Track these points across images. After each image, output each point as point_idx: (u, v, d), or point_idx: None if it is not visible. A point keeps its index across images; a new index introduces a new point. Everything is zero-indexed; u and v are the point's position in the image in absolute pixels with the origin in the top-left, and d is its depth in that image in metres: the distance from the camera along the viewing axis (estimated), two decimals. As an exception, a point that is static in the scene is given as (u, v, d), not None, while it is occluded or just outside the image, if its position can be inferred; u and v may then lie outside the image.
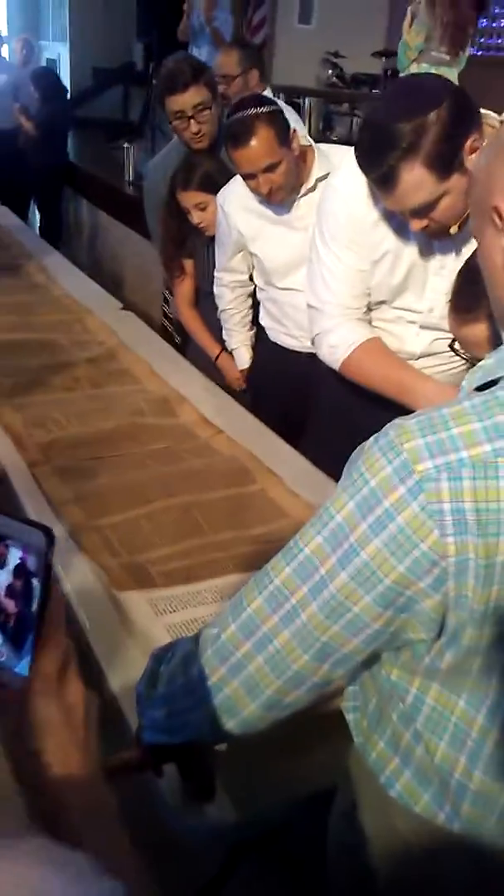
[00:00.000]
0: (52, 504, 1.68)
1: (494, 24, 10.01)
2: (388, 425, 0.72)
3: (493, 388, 0.71)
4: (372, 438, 0.73)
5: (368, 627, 0.73)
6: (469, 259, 1.28)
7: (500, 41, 9.90)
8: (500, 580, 0.68)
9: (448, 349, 1.59)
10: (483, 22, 10.10)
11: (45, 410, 2.05)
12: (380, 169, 1.26)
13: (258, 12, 7.72)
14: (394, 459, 0.69)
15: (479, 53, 9.44)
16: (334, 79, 8.17)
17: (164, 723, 0.90)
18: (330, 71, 8.32)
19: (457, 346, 1.31)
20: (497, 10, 9.89)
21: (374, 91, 6.61)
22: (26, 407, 2.06)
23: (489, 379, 0.73)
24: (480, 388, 0.73)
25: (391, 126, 1.23)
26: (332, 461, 1.76)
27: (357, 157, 1.32)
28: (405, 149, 1.23)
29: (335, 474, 1.78)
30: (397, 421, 0.72)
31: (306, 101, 5.23)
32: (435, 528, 0.67)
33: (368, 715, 0.89)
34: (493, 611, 0.70)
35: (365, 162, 1.30)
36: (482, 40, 9.93)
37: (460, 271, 1.26)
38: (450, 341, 1.34)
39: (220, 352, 2.44)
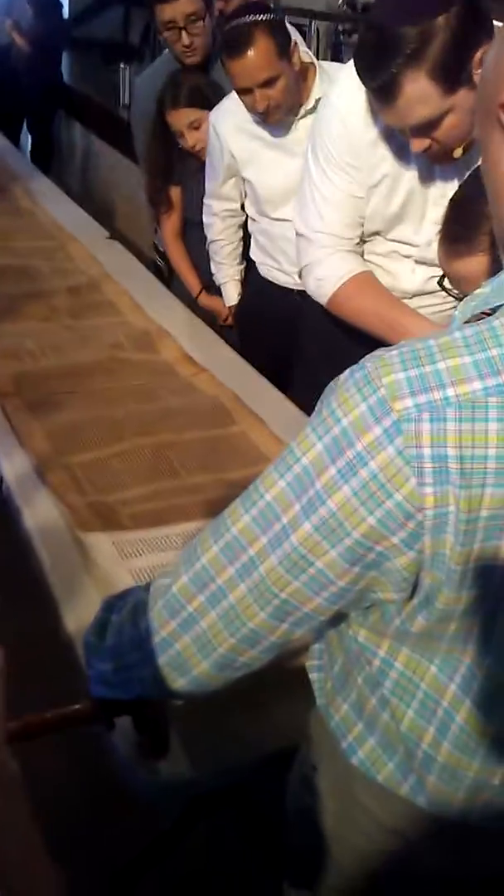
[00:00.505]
0: (19, 437, 1.59)
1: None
2: (366, 357, 0.63)
3: (488, 318, 0.61)
4: (347, 371, 0.63)
5: (332, 585, 0.65)
6: (463, 185, 1.16)
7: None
8: (483, 537, 0.60)
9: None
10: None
11: (19, 340, 1.95)
12: (380, 77, 1.13)
13: None
14: (369, 396, 0.59)
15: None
16: (345, 6, 7.80)
17: (111, 677, 0.83)
18: (341, -1, 7.95)
19: (447, 283, 1.19)
20: None
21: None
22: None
23: (486, 308, 0.63)
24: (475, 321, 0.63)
25: (395, 29, 1.10)
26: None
27: (356, 64, 1.19)
28: (409, 55, 1.10)
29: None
30: (377, 352, 0.62)
31: (313, 25, 4.96)
32: (412, 476, 0.58)
33: (333, 676, 0.82)
34: (474, 571, 0.62)
35: (364, 69, 1.17)
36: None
37: (453, 197, 1.13)
38: (439, 277, 1.22)
39: (201, 290, 2.33)
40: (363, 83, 1.20)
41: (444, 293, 1.48)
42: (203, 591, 0.70)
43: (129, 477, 1.52)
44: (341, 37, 7.58)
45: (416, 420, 0.58)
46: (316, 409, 0.66)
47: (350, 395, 0.61)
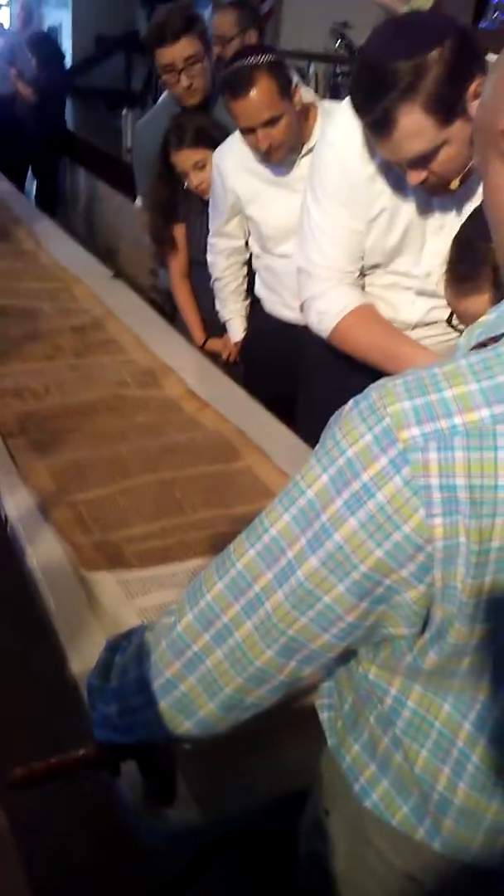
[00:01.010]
0: (23, 475, 1.58)
1: (509, -2, 9.81)
2: (370, 386, 0.62)
3: (494, 345, 0.60)
4: (352, 401, 0.62)
5: (341, 620, 0.63)
6: (466, 223, 1.17)
7: (514, 15, 9.69)
8: (495, 569, 0.58)
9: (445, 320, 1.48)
10: (497, -5, 9.91)
11: (24, 380, 1.95)
12: (375, 112, 1.14)
13: (266, -21, 7.52)
14: (375, 425, 0.58)
15: (495, 28, 9.25)
16: (342, 50, 7.96)
17: (115, 720, 0.80)
18: (338, 41, 8.12)
19: (455, 320, 1.19)
20: (512, -17, 9.69)
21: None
22: (4, 377, 1.96)
23: (490, 335, 0.63)
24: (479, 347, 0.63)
25: (389, 64, 1.11)
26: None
27: (352, 99, 1.20)
28: (403, 90, 1.11)
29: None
30: (381, 381, 0.61)
31: (311, 67, 5.08)
32: (421, 507, 0.57)
33: (344, 715, 0.80)
34: (486, 604, 0.60)
35: (360, 104, 1.18)
36: (496, 15, 9.74)
37: (457, 237, 1.14)
38: (447, 316, 1.22)
39: (205, 340, 2.34)
40: (359, 118, 1.21)
41: (445, 324, 1.48)
42: (208, 630, 0.68)
43: (134, 514, 1.51)
44: (339, 78, 7.75)
45: (423, 449, 0.56)
46: (321, 440, 0.65)
47: (355, 425, 0.60)
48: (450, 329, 1.47)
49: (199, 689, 0.70)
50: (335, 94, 6.85)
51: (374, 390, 0.61)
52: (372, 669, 0.73)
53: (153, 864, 1.18)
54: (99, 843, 1.56)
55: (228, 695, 0.70)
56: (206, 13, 4.64)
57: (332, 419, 0.65)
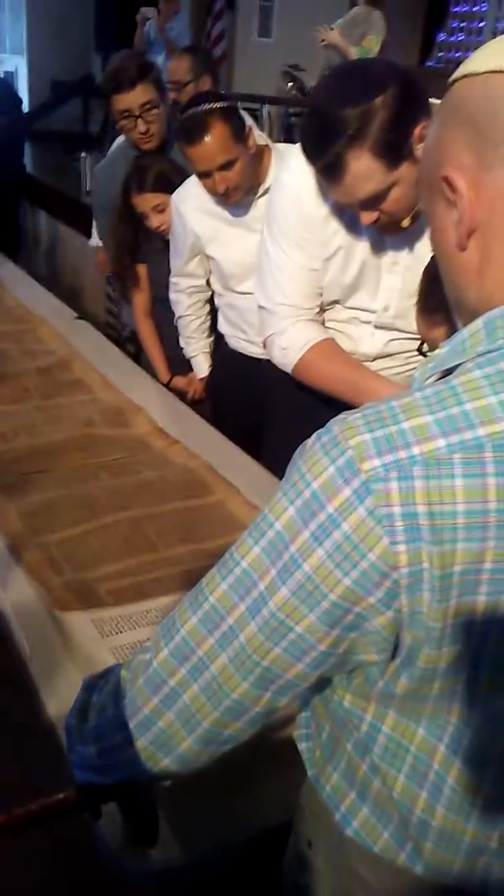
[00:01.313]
0: (-8, 520, 1.58)
1: (452, 39, 10.20)
2: (331, 420, 0.64)
3: (447, 378, 0.63)
4: (314, 435, 0.65)
5: (314, 649, 0.64)
6: (433, 258, 1.22)
7: (458, 55, 10.07)
8: (458, 593, 0.60)
9: (405, 350, 1.53)
10: (441, 36, 10.30)
11: (-10, 423, 1.95)
12: (326, 157, 1.19)
13: (217, 25, 7.72)
14: (337, 458, 0.61)
15: (440, 66, 9.60)
16: (294, 91, 8.18)
17: (94, 760, 0.80)
18: (290, 84, 8.34)
19: (425, 348, 1.24)
20: (454, 25, 10.08)
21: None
22: (-30, 421, 1.96)
23: (444, 368, 0.66)
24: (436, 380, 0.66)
25: (336, 112, 1.16)
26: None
27: (302, 146, 1.25)
28: (351, 136, 1.16)
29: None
30: (342, 415, 0.64)
31: (264, 109, 5.21)
32: (384, 535, 0.59)
33: (322, 744, 0.81)
34: (452, 628, 0.62)
35: (310, 150, 1.23)
36: (441, 54, 10.11)
37: (425, 271, 1.19)
38: (418, 345, 1.27)
39: (170, 379, 2.37)
40: (311, 163, 1.26)
41: (405, 355, 1.53)
42: (184, 664, 0.69)
43: (106, 553, 1.51)
44: (292, 119, 7.94)
45: (385, 479, 0.59)
46: (286, 474, 0.67)
47: (318, 458, 0.62)
48: (408, 360, 1.52)
49: (177, 724, 0.71)
50: (289, 134, 7.03)
51: (335, 424, 0.63)
52: (347, 697, 0.74)
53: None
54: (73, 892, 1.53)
55: (206, 728, 0.70)
56: (160, 59, 4.76)
57: (296, 453, 0.67)
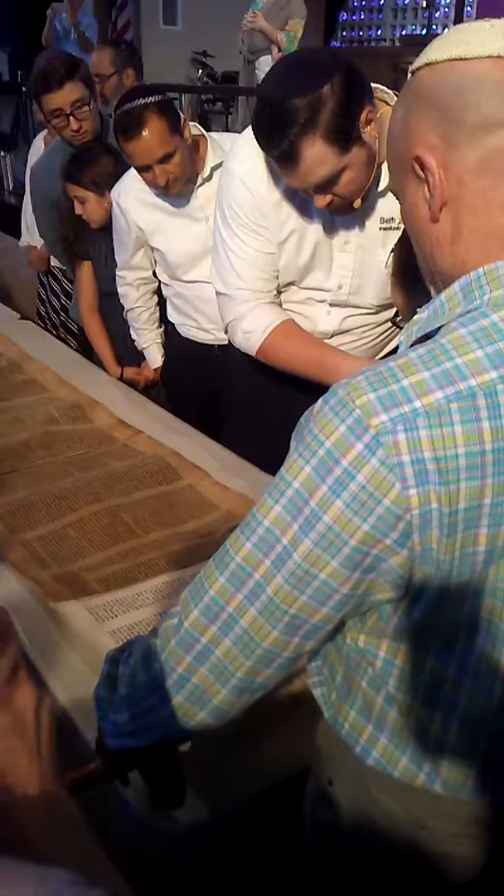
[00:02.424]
0: (-29, 523, 1.60)
1: (354, 17, 10.33)
2: (334, 385, 0.71)
3: (434, 338, 0.70)
4: (321, 400, 0.71)
5: (337, 593, 0.71)
6: (404, 232, 1.29)
7: (360, 33, 10.22)
8: (463, 528, 0.68)
9: (360, 325, 1.61)
10: (343, 15, 10.42)
11: (-50, 430, 1.95)
12: (280, 146, 1.25)
13: (122, 15, 7.66)
14: (347, 417, 0.67)
15: (343, 46, 9.73)
16: (205, 78, 8.20)
17: (128, 725, 0.86)
18: (200, 70, 8.35)
19: (399, 318, 1.32)
20: (355, 4, 10.21)
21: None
22: None
23: (427, 331, 0.73)
24: (418, 343, 0.73)
25: (287, 102, 1.22)
26: (256, 449, 1.77)
27: (256, 136, 1.31)
28: (303, 124, 1.22)
29: (260, 462, 1.78)
30: (344, 380, 0.70)
31: (183, 98, 5.24)
32: (397, 482, 0.66)
33: (336, 687, 0.88)
34: (459, 560, 0.69)
35: (264, 140, 1.29)
36: (344, 33, 10.25)
37: (397, 246, 1.26)
38: (392, 316, 1.34)
39: (122, 371, 2.40)
40: (265, 152, 1.31)
41: (360, 330, 1.60)
42: (215, 622, 0.75)
43: (88, 544, 1.55)
44: (205, 106, 7.94)
45: (393, 432, 0.66)
46: (294, 439, 0.74)
47: (329, 419, 0.68)
48: (363, 335, 1.60)
49: (210, 678, 0.77)
50: (203, 121, 7.05)
51: (339, 388, 0.70)
52: (361, 638, 0.81)
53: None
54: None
55: (239, 678, 0.76)
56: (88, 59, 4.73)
57: (302, 419, 0.73)
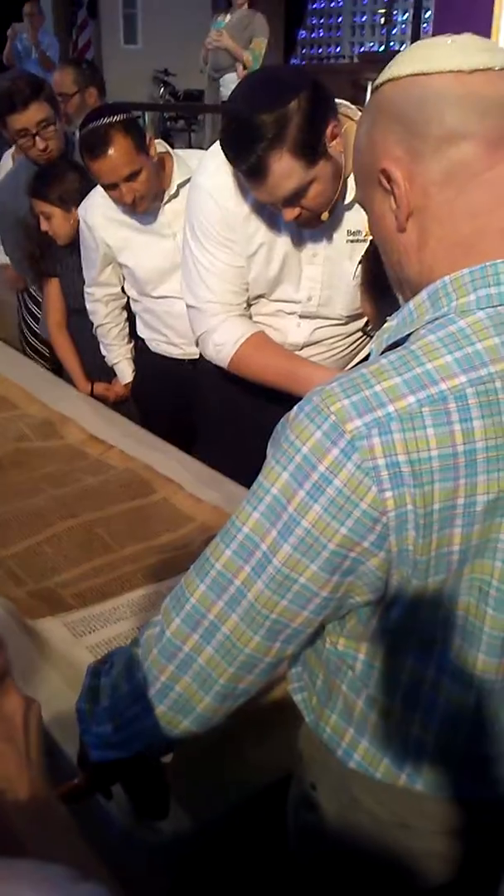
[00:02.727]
0: None
1: (313, 35, 10.50)
2: (309, 393, 0.72)
3: (404, 345, 0.72)
4: (296, 407, 0.72)
5: (317, 596, 0.72)
6: (371, 243, 1.31)
7: (319, 50, 10.40)
8: (438, 528, 0.70)
9: (329, 337, 1.63)
10: (302, 33, 10.58)
11: None
12: (249, 161, 1.27)
13: (83, 34, 7.71)
14: (322, 423, 0.69)
15: (303, 63, 9.87)
16: (167, 96, 8.27)
17: (112, 737, 0.86)
18: (162, 88, 8.42)
19: (369, 328, 1.34)
20: (313, 22, 10.38)
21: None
22: None
23: (397, 338, 0.75)
24: (389, 350, 0.75)
25: (254, 118, 1.25)
26: (229, 461, 1.78)
27: (224, 152, 1.33)
28: (271, 139, 1.25)
29: (234, 474, 1.79)
30: (318, 387, 0.72)
31: (146, 116, 5.28)
32: (373, 485, 0.67)
33: (317, 692, 0.89)
34: (436, 560, 0.71)
35: (233, 155, 1.31)
36: (303, 51, 10.41)
37: (364, 258, 1.28)
38: (362, 326, 1.37)
39: (92, 386, 2.40)
40: (234, 167, 1.34)
41: (330, 341, 1.63)
42: (197, 630, 0.76)
43: (63, 560, 1.54)
44: (167, 123, 7.98)
45: (368, 436, 0.67)
46: (271, 446, 0.75)
47: (304, 426, 0.70)
48: (333, 346, 1.63)
49: (193, 686, 0.78)
50: (166, 138, 7.08)
51: (314, 395, 0.71)
52: (340, 641, 0.82)
53: None
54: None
55: (222, 685, 0.77)
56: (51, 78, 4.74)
57: (279, 426, 0.75)
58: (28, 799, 0.56)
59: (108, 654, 0.91)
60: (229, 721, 0.85)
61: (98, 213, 2.05)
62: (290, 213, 1.35)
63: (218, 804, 1.07)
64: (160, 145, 2.03)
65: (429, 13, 5.77)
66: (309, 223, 1.41)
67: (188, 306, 1.60)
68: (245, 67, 5.25)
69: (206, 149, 1.60)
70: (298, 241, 1.50)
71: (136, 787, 0.98)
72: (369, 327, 1.33)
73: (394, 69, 0.75)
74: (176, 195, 1.99)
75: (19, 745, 0.56)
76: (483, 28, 3.14)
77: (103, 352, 2.30)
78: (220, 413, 1.85)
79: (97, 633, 1.34)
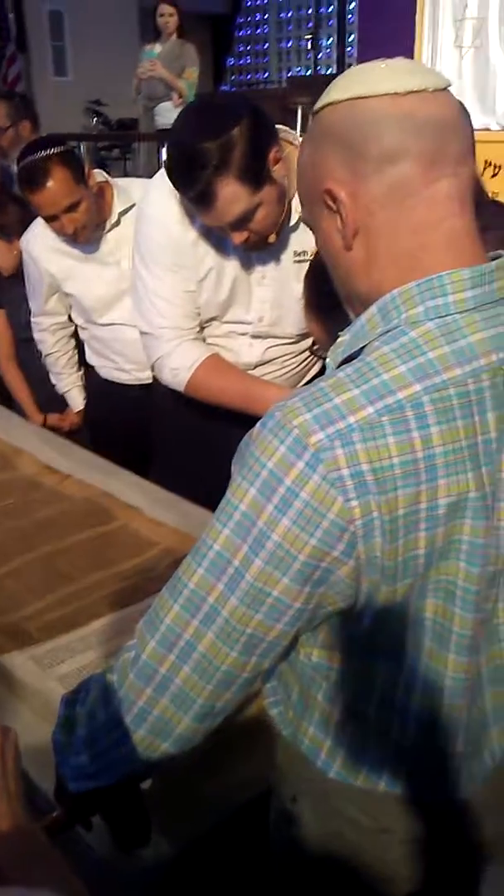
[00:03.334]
0: None
1: (241, 62, 10.68)
2: (270, 409, 0.74)
3: (359, 357, 0.75)
4: (258, 424, 0.74)
5: (290, 608, 0.73)
6: (312, 262, 1.33)
7: (248, 77, 10.58)
8: (404, 533, 0.72)
9: (281, 355, 1.66)
10: (230, 61, 10.76)
11: None
12: (196, 188, 1.30)
13: (12, 68, 7.71)
14: (286, 438, 0.70)
15: (234, 90, 10.02)
16: (101, 126, 8.30)
17: (89, 767, 0.85)
18: (95, 119, 8.45)
19: (316, 347, 1.36)
20: (240, 49, 10.56)
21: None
22: None
23: (351, 351, 0.77)
24: (344, 363, 0.77)
25: (199, 146, 1.27)
26: (186, 483, 1.78)
27: (171, 180, 1.35)
28: (217, 166, 1.27)
29: (192, 495, 1.79)
30: (279, 403, 0.73)
31: (82, 146, 5.30)
32: (339, 495, 0.69)
33: (293, 705, 0.90)
34: (403, 564, 0.73)
35: (180, 183, 1.33)
36: (233, 77, 10.58)
37: (308, 276, 1.30)
38: (310, 345, 1.38)
39: (44, 418, 2.39)
40: (181, 194, 1.36)
41: (281, 360, 1.66)
42: (173, 650, 0.76)
43: (26, 593, 1.52)
44: (101, 153, 7.99)
45: (331, 448, 0.69)
46: (235, 464, 0.76)
47: (268, 441, 0.71)
48: (284, 364, 1.65)
49: (172, 707, 0.78)
50: (102, 167, 7.09)
51: (276, 411, 0.73)
52: (314, 653, 0.83)
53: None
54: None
55: (201, 704, 0.78)
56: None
57: (242, 444, 0.76)
58: (9, 831, 0.56)
59: (82, 683, 0.90)
60: (206, 742, 0.85)
61: (40, 243, 2.05)
62: (238, 237, 1.37)
63: (198, 826, 1.07)
64: (99, 175, 2.04)
65: (353, 37, 5.93)
66: (257, 246, 1.44)
67: (142, 333, 1.61)
68: (181, 96, 5.33)
69: (141, 176, 1.62)
70: (247, 264, 1.53)
71: (115, 816, 0.97)
72: (316, 346, 1.36)
73: (332, 94, 0.78)
74: (117, 223, 2.00)
75: None
76: (406, 52, 3.26)
77: (53, 380, 2.30)
78: (176, 436, 1.85)
79: (66, 664, 1.33)
